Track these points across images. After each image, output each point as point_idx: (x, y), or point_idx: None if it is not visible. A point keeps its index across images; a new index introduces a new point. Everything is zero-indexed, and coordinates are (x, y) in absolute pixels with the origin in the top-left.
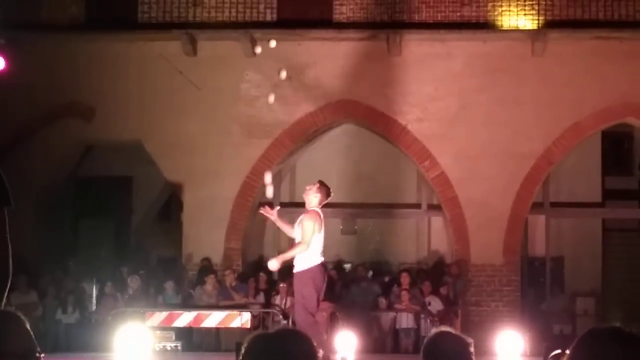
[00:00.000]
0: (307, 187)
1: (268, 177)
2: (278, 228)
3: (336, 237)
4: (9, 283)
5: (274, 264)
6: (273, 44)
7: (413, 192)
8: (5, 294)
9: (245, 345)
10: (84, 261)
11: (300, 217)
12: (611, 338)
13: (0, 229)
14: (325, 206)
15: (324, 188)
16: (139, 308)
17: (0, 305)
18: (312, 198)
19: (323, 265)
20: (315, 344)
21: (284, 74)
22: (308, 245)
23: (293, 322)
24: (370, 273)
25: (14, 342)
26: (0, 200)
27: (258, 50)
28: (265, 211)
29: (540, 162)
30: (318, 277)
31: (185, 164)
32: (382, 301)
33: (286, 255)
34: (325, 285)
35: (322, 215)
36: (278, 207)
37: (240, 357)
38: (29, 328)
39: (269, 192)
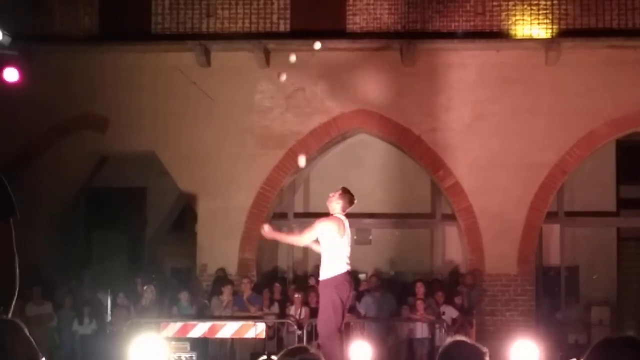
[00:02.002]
0: (330, 194)
1: (302, 160)
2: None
3: (351, 247)
4: (16, 293)
5: (266, 228)
6: (293, 58)
7: (427, 202)
8: (13, 304)
9: None
10: (98, 272)
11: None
12: (625, 346)
13: (6, 240)
14: None
15: (347, 195)
16: (153, 319)
17: (8, 314)
18: (335, 205)
19: (349, 273)
20: None
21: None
22: (305, 239)
23: (316, 333)
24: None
25: (16, 351)
26: (5, 210)
27: (292, 58)
28: (266, 234)
29: (555, 172)
30: (343, 286)
31: (199, 175)
32: (403, 311)
33: (282, 236)
34: (351, 294)
35: (345, 222)
36: (266, 225)
37: None
38: (29, 336)
39: (302, 161)
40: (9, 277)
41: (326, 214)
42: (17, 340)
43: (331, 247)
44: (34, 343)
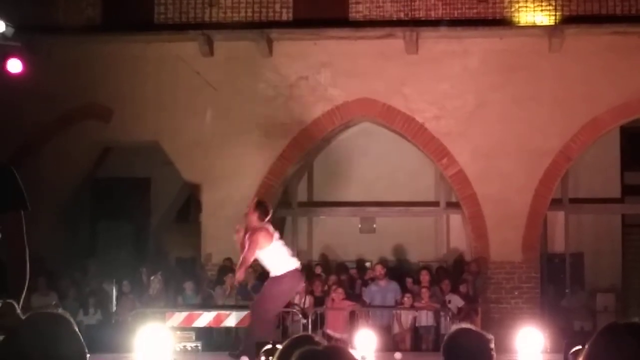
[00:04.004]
0: (246, 209)
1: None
2: (296, 227)
3: (355, 236)
4: (27, 284)
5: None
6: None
7: (431, 190)
8: (24, 295)
9: (295, 358)
10: (103, 262)
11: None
12: (629, 333)
13: (17, 232)
14: (342, 205)
15: (260, 207)
16: (158, 308)
17: (18, 306)
18: (252, 218)
19: (299, 270)
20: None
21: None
22: (246, 262)
23: (252, 311)
24: None
25: (66, 346)
26: (17, 204)
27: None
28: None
29: (559, 159)
30: (292, 281)
31: (203, 165)
32: (406, 299)
33: (238, 267)
34: (299, 290)
35: (270, 228)
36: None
37: None
38: (77, 330)
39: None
40: (20, 269)
41: (329, 203)
42: (68, 334)
43: (266, 256)
44: (81, 338)
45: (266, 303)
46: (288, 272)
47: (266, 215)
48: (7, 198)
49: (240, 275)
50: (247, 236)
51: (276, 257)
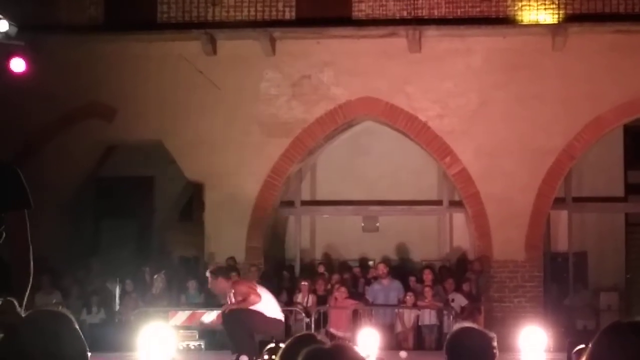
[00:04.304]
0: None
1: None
2: (299, 226)
3: (358, 235)
4: (30, 282)
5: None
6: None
7: (434, 189)
8: (27, 294)
9: (300, 359)
10: (106, 261)
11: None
12: (633, 331)
13: (21, 231)
14: (345, 203)
15: (217, 272)
16: (161, 307)
17: (22, 305)
18: (220, 285)
19: (282, 323)
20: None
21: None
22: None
23: (322, 320)
24: None
25: (67, 344)
26: (20, 202)
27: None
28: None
29: (562, 157)
30: (273, 327)
31: (206, 164)
32: (408, 298)
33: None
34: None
35: (257, 289)
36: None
37: None
38: (78, 328)
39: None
40: (23, 267)
41: (332, 202)
42: (69, 331)
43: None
44: (82, 336)
45: (246, 319)
46: (277, 318)
47: (227, 273)
48: (10, 197)
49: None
50: (236, 296)
51: (268, 306)
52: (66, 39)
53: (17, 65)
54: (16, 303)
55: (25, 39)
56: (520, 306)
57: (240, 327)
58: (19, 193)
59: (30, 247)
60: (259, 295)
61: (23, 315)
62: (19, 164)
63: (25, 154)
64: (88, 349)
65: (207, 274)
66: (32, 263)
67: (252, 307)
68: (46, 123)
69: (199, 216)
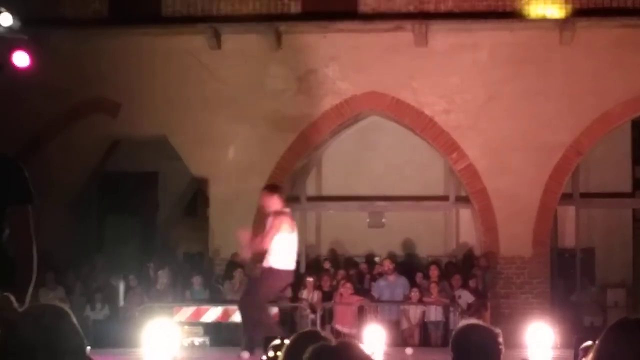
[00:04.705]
0: (263, 195)
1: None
2: (305, 222)
3: (364, 231)
4: (34, 278)
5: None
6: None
7: (441, 184)
8: (31, 289)
9: (307, 356)
10: (111, 257)
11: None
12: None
13: (24, 226)
14: (351, 199)
15: (277, 189)
16: (166, 303)
17: (25, 301)
18: (275, 202)
19: (292, 273)
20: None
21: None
22: (259, 245)
23: (246, 294)
24: None
25: (64, 338)
26: (23, 198)
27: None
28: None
29: (569, 153)
30: (285, 280)
31: (210, 159)
32: (413, 294)
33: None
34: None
35: (291, 218)
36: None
37: None
38: (76, 322)
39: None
40: (27, 263)
41: (338, 197)
42: (68, 326)
43: (283, 240)
44: (80, 330)
45: (264, 292)
46: (287, 270)
47: (283, 195)
48: (13, 192)
49: (246, 253)
50: (269, 219)
51: (286, 249)
52: (70, 33)
53: (21, 59)
54: (13, 298)
55: (28, 33)
56: (527, 302)
57: (250, 316)
58: (22, 188)
59: (34, 242)
60: (269, 242)
61: (19, 311)
62: (23, 159)
63: (29, 149)
64: (87, 343)
65: (263, 189)
66: (35, 259)
67: (267, 262)
68: (50, 118)
69: (204, 212)
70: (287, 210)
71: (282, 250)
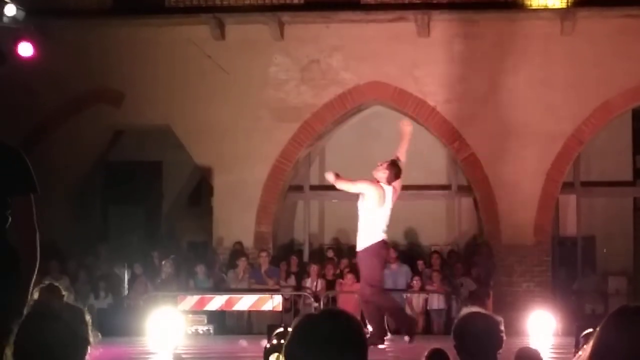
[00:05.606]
0: (379, 163)
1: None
2: (308, 211)
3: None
4: (37, 267)
5: (330, 176)
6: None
7: (443, 174)
8: (34, 278)
9: (292, 327)
10: (115, 247)
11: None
12: None
13: (27, 215)
14: None
15: (394, 168)
16: (170, 292)
17: (28, 290)
18: (381, 174)
19: (385, 242)
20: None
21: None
22: (344, 187)
23: (364, 301)
24: None
25: (86, 338)
26: (26, 187)
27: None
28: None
29: (570, 142)
30: (380, 254)
31: (214, 149)
32: (415, 282)
33: (341, 181)
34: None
35: (388, 193)
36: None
37: (289, 339)
38: (89, 320)
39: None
40: (29, 252)
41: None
42: (85, 327)
43: (369, 214)
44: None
45: (371, 275)
46: (373, 244)
47: (397, 178)
48: (15, 181)
49: (333, 177)
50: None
51: (373, 221)
52: (74, 24)
53: (25, 49)
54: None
55: (33, 23)
56: (529, 290)
57: (374, 309)
58: (24, 177)
59: (37, 231)
60: (381, 198)
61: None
62: (27, 149)
63: (33, 139)
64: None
65: (390, 160)
66: (38, 248)
67: (363, 213)
68: (54, 108)
69: (208, 201)
70: (383, 186)
71: (368, 224)
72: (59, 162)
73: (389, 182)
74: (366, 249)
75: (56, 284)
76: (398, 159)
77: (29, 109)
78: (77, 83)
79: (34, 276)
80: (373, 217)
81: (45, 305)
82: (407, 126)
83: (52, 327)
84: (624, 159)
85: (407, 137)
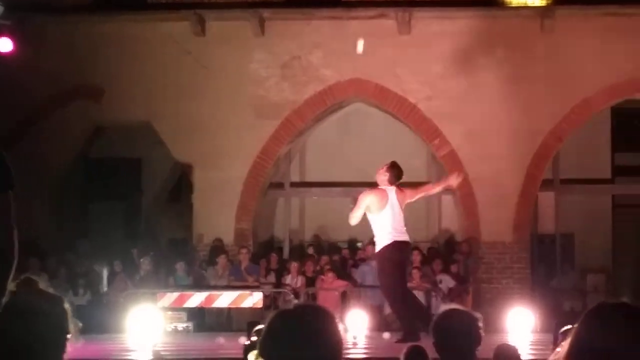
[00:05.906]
0: (378, 168)
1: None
2: (289, 208)
3: (347, 217)
4: (14, 265)
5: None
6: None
7: (423, 171)
8: (10, 277)
9: (266, 323)
10: (95, 243)
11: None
12: (617, 312)
13: (4, 213)
14: (334, 185)
15: (394, 169)
16: (150, 289)
17: (4, 290)
18: (382, 178)
19: (397, 243)
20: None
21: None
22: (355, 217)
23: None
24: None
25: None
26: (2, 184)
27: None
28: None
29: (550, 139)
30: (393, 255)
31: (194, 145)
32: None
33: (353, 212)
34: (405, 260)
35: (390, 194)
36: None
37: (262, 335)
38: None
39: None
40: (5, 250)
41: (322, 184)
42: (65, 314)
43: (374, 220)
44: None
45: (386, 280)
46: (382, 247)
47: (398, 179)
48: None
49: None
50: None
51: (380, 225)
52: (54, 20)
53: (4, 45)
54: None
55: (12, 18)
56: (508, 287)
57: (404, 304)
58: (1, 174)
59: (15, 229)
60: (381, 202)
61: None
62: (6, 146)
63: (12, 135)
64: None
65: (389, 163)
66: (16, 245)
67: (371, 221)
68: (33, 104)
69: (188, 198)
70: (384, 188)
71: (377, 228)
72: (39, 158)
73: (391, 183)
74: (377, 253)
75: (34, 277)
76: (428, 187)
77: (8, 105)
78: (56, 79)
79: (11, 274)
80: (379, 222)
81: (22, 300)
82: (455, 179)
83: (29, 321)
84: (603, 157)
85: (445, 185)
